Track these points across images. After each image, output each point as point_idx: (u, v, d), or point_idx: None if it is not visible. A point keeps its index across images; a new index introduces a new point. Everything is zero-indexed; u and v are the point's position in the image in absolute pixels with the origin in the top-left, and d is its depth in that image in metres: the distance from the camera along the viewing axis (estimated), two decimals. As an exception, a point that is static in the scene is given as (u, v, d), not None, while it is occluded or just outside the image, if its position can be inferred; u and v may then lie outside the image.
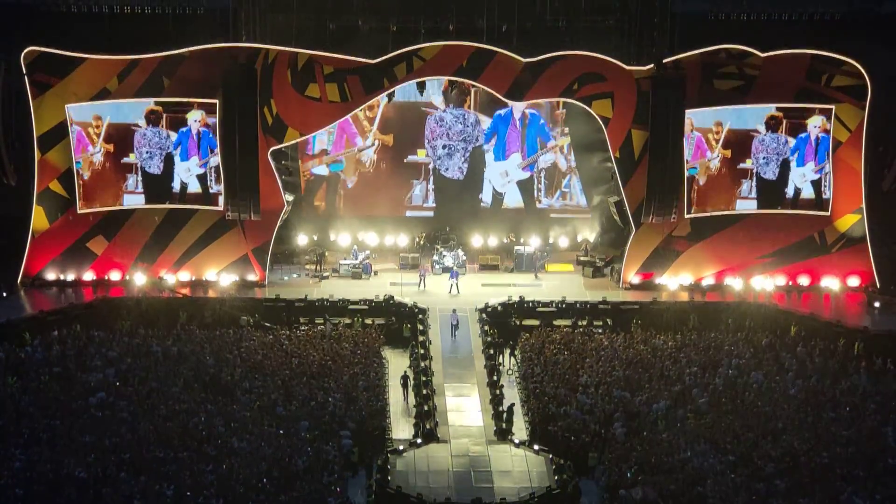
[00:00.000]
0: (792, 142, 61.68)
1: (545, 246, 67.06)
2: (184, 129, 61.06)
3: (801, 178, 62.29)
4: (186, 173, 61.73)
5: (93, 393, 47.77)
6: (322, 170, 67.95)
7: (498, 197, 68.27)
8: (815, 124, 61.46)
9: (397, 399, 51.41)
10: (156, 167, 61.40)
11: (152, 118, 60.60)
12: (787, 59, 60.55)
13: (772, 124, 61.46)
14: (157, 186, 61.64)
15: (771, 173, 62.19)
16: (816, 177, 62.17)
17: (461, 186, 67.90)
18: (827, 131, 61.39)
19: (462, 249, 65.90)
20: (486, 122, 66.56)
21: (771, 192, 62.38)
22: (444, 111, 66.42)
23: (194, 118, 60.87)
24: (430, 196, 68.29)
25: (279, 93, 60.04)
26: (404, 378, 50.90)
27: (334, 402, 48.47)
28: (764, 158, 61.96)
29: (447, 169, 67.51)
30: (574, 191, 68.44)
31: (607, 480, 43.86)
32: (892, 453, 43.32)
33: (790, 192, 62.39)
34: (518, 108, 66.04)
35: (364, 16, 63.49)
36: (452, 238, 66.93)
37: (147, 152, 61.20)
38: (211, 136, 60.85)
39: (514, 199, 68.68)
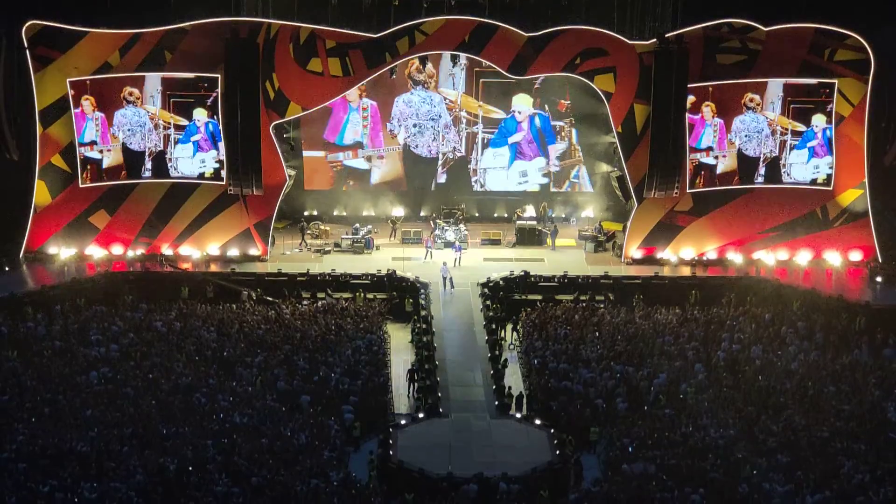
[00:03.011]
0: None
1: (552, 218, 67.49)
2: (190, 124, 61.16)
3: (814, 169, 62.37)
4: (201, 164, 61.84)
5: (95, 367, 47.87)
6: (359, 163, 68.23)
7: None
8: (817, 123, 61.66)
9: (399, 374, 51.48)
10: (137, 145, 61.36)
11: (131, 98, 60.56)
12: (789, 34, 60.40)
13: (751, 105, 61.40)
14: (139, 162, 61.71)
15: (752, 150, 62.14)
16: (830, 171, 62.28)
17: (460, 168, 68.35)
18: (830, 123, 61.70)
19: (465, 224, 65.89)
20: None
21: (752, 166, 62.50)
22: (411, 93, 66.47)
23: (198, 116, 61.09)
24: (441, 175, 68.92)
25: (281, 67, 59.93)
26: (410, 372, 50.54)
27: (336, 377, 48.54)
28: (746, 136, 61.94)
29: (417, 146, 67.74)
30: (583, 181, 68.87)
31: (608, 455, 43.94)
32: (892, 428, 43.36)
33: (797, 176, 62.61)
34: (523, 112, 66.22)
35: (366, -10, 63.45)
36: (457, 210, 66.88)
37: (129, 130, 61.17)
38: (219, 126, 60.98)
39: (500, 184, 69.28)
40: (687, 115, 60.65)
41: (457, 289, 59.16)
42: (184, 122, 61.24)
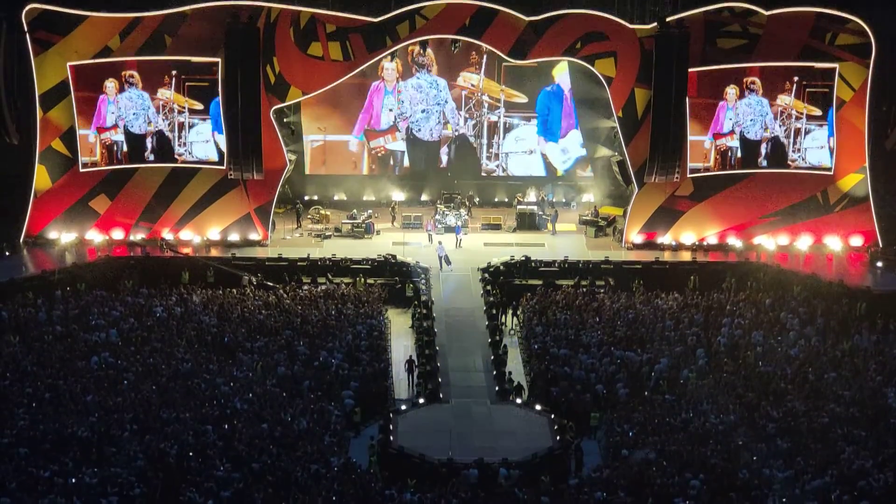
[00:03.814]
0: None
1: (552, 202, 67.50)
2: (213, 105, 61.26)
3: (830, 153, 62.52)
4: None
5: (96, 352, 47.89)
6: (398, 145, 68.36)
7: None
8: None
9: (399, 359, 51.50)
10: (139, 127, 61.28)
11: (132, 81, 60.45)
12: (791, 18, 60.29)
13: (753, 88, 61.32)
14: (141, 145, 61.63)
15: (754, 134, 62.10)
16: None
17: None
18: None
19: (465, 209, 65.86)
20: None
21: (754, 151, 62.44)
22: (417, 77, 66.40)
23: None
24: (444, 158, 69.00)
25: (281, 51, 59.84)
26: (409, 363, 50.37)
27: (336, 362, 48.56)
28: (751, 120, 61.81)
29: (419, 130, 67.71)
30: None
31: (609, 441, 43.98)
32: (893, 414, 43.36)
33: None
34: (565, 83, 66.08)
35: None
36: (458, 195, 66.85)
37: (133, 113, 61.06)
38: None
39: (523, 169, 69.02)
40: (704, 100, 61.00)
41: (457, 273, 59.16)
42: (198, 105, 61.16)
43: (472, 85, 66.74)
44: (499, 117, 67.61)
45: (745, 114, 61.73)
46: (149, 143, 61.45)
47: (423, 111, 67.18)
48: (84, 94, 60.27)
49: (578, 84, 64.91)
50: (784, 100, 61.61)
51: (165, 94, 60.82)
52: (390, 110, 67.03)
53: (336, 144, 67.88)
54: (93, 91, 60.36)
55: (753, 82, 61.24)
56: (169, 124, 61.27)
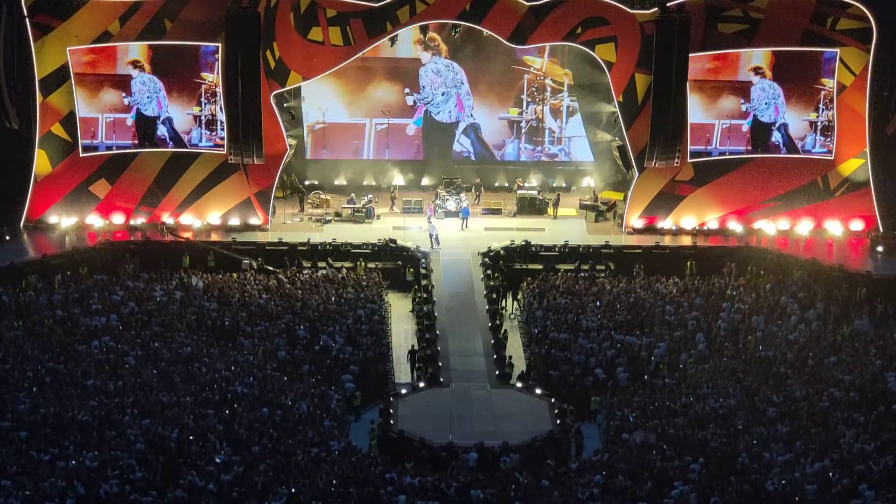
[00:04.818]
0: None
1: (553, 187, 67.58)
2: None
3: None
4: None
5: (96, 337, 47.93)
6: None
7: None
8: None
9: (399, 343, 51.54)
10: (152, 109, 61.18)
11: (139, 65, 60.39)
12: (792, 2, 60.17)
13: (761, 71, 61.27)
14: (152, 128, 61.45)
15: (768, 116, 62.04)
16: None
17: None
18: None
19: (465, 193, 65.82)
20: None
21: (766, 132, 62.41)
22: (434, 62, 66.41)
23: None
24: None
25: (282, 36, 59.73)
26: (411, 353, 50.24)
27: (337, 346, 48.60)
28: (765, 104, 61.73)
29: (438, 113, 67.60)
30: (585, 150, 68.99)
31: (609, 424, 44.04)
32: (893, 398, 43.39)
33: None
34: None
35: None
36: (457, 179, 66.81)
37: (147, 97, 60.98)
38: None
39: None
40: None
41: (458, 258, 59.13)
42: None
43: (536, 69, 66.58)
44: (562, 101, 67.46)
45: (759, 98, 61.64)
46: (161, 127, 61.39)
47: (442, 94, 67.16)
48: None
49: (579, 69, 64.76)
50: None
51: (209, 77, 60.76)
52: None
53: (336, 129, 67.77)
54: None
55: (759, 67, 61.11)
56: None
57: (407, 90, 66.86)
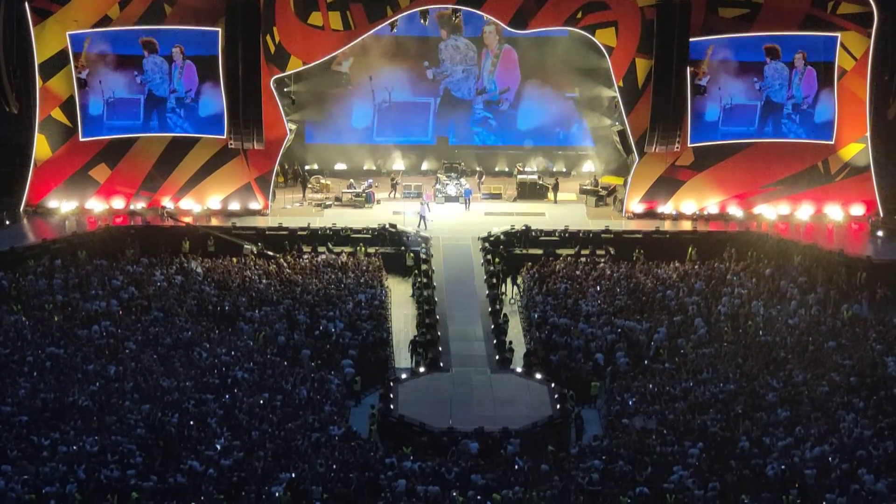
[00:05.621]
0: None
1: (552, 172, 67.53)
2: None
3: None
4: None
5: (96, 322, 47.94)
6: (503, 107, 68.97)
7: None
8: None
9: (399, 328, 51.55)
10: (162, 91, 61.06)
11: (150, 47, 60.27)
12: (793, -14, 60.20)
13: (773, 53, 61.17)
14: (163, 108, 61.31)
15: (780, 97, 61.89)
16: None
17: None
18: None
19: (466, 178, 65.77)
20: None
21: (778, 112, 62.15)
22: (454, 39, 66.63)
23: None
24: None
25: (282, 21, 59.63)
26: (413, 343, 49.97)
27: (337, 331, 48.61)
28: (779, 84, 61.58)
29: (458, 90, 67.81)
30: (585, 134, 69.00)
31: (609, 409, 44.07)
32: (892, 382, 43.43)
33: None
34: None
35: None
36: (458, 164, 66.75)
37: (160, 78, 60.89)
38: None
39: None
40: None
41: (457, 243, 59.04)
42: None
43: None
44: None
45: (772, 77, 61.52)
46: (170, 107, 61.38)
47: (462, 70, 67.29)
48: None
49: (579, 53, 64.66)
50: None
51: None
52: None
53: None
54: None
55: (771, 48, 61.00)
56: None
57: (426, 63, 66.91)
